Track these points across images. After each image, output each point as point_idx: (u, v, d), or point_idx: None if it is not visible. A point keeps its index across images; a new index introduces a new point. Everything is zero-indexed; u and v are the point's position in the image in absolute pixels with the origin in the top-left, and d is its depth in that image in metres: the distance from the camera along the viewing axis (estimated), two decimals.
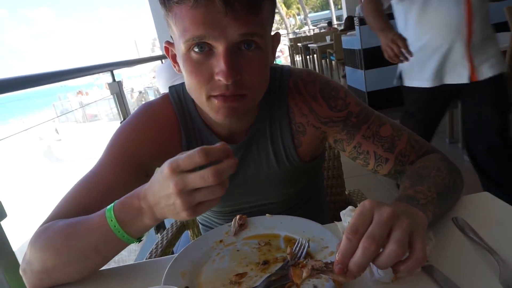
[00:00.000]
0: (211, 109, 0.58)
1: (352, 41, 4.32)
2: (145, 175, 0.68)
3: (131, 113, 0.74)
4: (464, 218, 0.57)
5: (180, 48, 0.57)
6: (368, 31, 3.96)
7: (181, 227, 1.06)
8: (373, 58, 3.99)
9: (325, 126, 0.71)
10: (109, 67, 1.74)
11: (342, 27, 8.08)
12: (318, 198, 0.89)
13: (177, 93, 0.73)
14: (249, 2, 0.51)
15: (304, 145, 0.73)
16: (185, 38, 0.54)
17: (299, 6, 28.22)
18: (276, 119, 0.72)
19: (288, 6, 28.39)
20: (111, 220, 0.52)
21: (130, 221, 0.52)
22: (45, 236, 0.56)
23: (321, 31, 12.44)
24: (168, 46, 0.65)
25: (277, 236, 0.61)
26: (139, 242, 0.55)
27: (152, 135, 0.69)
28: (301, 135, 0.72)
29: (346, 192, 1.10)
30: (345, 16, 13.07)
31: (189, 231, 1.10)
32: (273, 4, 0.58)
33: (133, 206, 0.51)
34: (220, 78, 0.53)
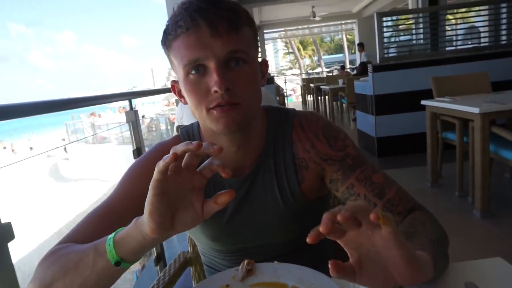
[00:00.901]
0: (212, 121, 0.65)
1: (364, 86, 4.41)
2: None
3: (146, 152, 0.78)
4: (477, 283, 0.56)
5: (180, 76, 0.66)
6: (381, 78, 4.05)
7: (184, 264, 1.04)
8: (384, 104, 4.05)
9: (324, 163, 0.75)
10: (128, 96, 1.81)
11: (354, 72, 8.26)
12: (323, 243, 0.88)
13: (187, 132, 0.80)
14: (229, 23, 0.62)
15: (307, 181, 0.75)
16: (183, 64, 0.63)
17: (314, 47, 29.09)
18: (280, 154, 0.76)
19: (304, 47, 29.27)
20: (109, 238, 0.52)
21: (122, 236, 0.51)
22: (53, 255, 0.58)
23: (334, 74, 12.73)
24: (174, 84, 0.74)
25: (284, 286, 0.60)
26: (116, 264, 0.51)
27: None
28: (304, 170, 0.75)
29: None
30: (358, 61, 13.43)
31: (191, 268, 1.08)
32: (253, 29, 0.68)
33: (130, 225, 0.52)
34: (215, 89, 0.61)
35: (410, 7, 8.39)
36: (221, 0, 0.64)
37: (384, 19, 4.25)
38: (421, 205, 0.73)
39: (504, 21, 4.52)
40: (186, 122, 1.84)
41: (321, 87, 8.47)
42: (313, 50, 29.72)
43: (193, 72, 0.63)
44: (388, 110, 4.05)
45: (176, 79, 0.72)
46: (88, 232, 0.64)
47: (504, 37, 4.45)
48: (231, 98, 0.63)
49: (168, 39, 0.66)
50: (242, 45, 0.64)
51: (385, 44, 4.25)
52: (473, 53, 4.14)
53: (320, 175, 0.76)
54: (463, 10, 6.56)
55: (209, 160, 0.50)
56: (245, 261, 0.64)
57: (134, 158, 1.80)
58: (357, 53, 11.92)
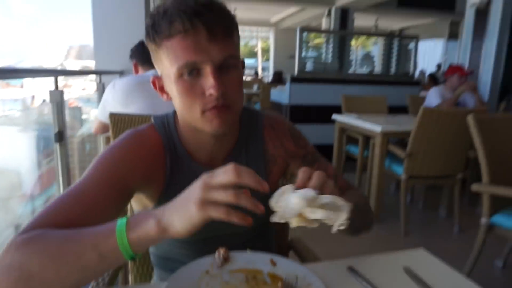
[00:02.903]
0: (205, 122, 0.68)
1: (280, 95, 4.69)
2: (128, 196, 0.72)
3: (117, 137, 0.77)
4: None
5: (171, 75, 0.67)
6: (297, 89, 4.37)
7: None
8: (298, 114, 4.38)
9: (290, 159, 0.86)
10: (54, 73, 1.64)
11: (269, 79, 8.65)
12: (271, 233, 0.98)
13: (162, 122, 0.80)
14: (226, 30, 0.66)
15: (274, 175, 0.85)
16: (178, 65, 0.65)
17: None
18: (252, 149, 0.83)
19: None
20: (121, 224, 0.53)
21: (136, 224, 0.53)
22: (36, 241, 0.54)
23: (246, 78, 13.10)
24: (156, 79, 0.75)
25: (260, 272, 0.67)
26: (132, 259, 0.54)
27: (140, 159, 0.73)
28: (272, 164, 0.85)
29: (289, 238, 1.20)
30: (271, 68, 14.04)
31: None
32: (238, 31, 0.72)
33: (149, 212, 0.54)
34: (211, 92, 0.65)
35: (323, 26, 9.18)
36: (215, 4, 0.67)
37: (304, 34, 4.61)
38: (357, 187, 0.91)
39: (395, 53, 5.30)
40: (120, 108, 1.75)
41: None
42: None
43: (187, 74, 0.66)
44: (301, 120, 4.39)
45: (158, 75, 0.74)
46: (61, 216, 0.61)
47: (393, 67, 5.21)
48: (225, 101, 0.67)
49: (159, 37, 0.66)
50: (234, 50, 0.69)
51: (303, 59, 4.61)
52: (370, 78, 4.77)
53: (283, 170, 0.87)
54: (363, 38, 7.54)
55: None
56: (221, 250, 0.69)
57: (56, 141, 1.65)
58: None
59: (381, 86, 4.64)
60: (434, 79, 6.70)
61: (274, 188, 0.86)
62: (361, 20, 10.59)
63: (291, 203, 0.54)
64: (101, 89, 2.78)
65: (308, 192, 0.55)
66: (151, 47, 0.70)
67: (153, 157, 0.75)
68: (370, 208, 0.89)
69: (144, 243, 0.53)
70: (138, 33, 3.41)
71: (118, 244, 0.52)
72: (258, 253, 0.72)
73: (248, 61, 18.70)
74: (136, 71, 2.02)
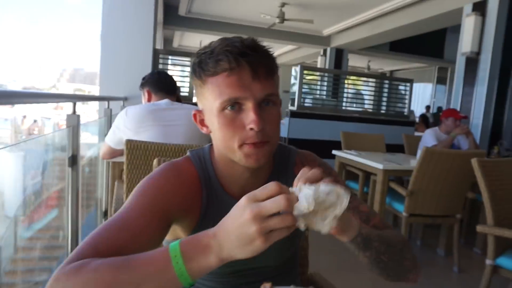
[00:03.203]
0: (243, 155, 0.71)
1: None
2: (167, 227, 0.72)
3: (154, 169, 0.82)
4: None
5: (213, 109, 0.71)
6: (296, 123, 4.46)
7: None
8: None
9: None
10: (73, 98, 1.66)
11: None
12: (297, 267, 0.98)
13: (198, 156, 0.83)
14: (268, 70, 0.70)
15: None
16: (222, 99, 0.68)
17: None
18: (283, 184, 0.84)
19: None
20: (175, 254, 0.53)
21: (194, 256, 0.53)
22: (88, 269, 0.54)
23: None
24: (197, 113, 0.79)
25: None
26: (190, 286, 0.54)
27: (178, 191, 0.75)
28: None
29: (308, 273, 1.20)
30: None
31: None
32: (278, 72, 0.77)
33: (201, 242, 0.54)
34: (252, 127, 0.67)
35: (318, 65, 9.50)
36: (259, 47, 0.71)
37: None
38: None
39: (388, 93, 5.51)
40: (132, 135, 1.77)
41: None
42: None
43: (229, 108, 0.69)
44: None
45: (200, 109, 0.78)
46: (107, 244, 0.61)
47: (387, 107, 5.39)
48: (263, 137, 0.70)
49: (205, 74, 0.70)
50: (275, 89, 0.72)
51: (303, 95, 4.74)
52: (366, 116, 4.91)
53: None
54: (354, 78, 7.85)
55: None
56: (267, 285, 0.69)
57: (68, 165, 1.64)
58: None
59: (376, 124, 4.77)
60: (425, 120, 6.93)
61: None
62: (354, 60, 11.03)
63: (302, 207, 0.54)
64: (109, 115, 2.80)
65: (307, 190, 0.55)
66: (195, 83, 0.74)
67: (189, 190, 0.77)
68: (409, 251, 0.81)
69: (204, 273, 0.54)
70: (143, 63, 3.55)
71: (177, 275, 0.52)
72: None
73: None
74: (149, 99, 2.06)
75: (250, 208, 0.51)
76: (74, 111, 1.64)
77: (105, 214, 2.66)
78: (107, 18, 3.46)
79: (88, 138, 3.06)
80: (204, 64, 0.70)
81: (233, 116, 0.69)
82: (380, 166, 2.67)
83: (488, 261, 1.80)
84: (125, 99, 3.40)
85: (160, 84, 2.04)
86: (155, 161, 1.04)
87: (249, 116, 0.68)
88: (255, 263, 0.83)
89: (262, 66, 0.69)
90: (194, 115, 0.79)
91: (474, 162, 1.83)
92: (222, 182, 0.80)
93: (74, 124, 1.62)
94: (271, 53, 0.73)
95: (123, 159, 1.62)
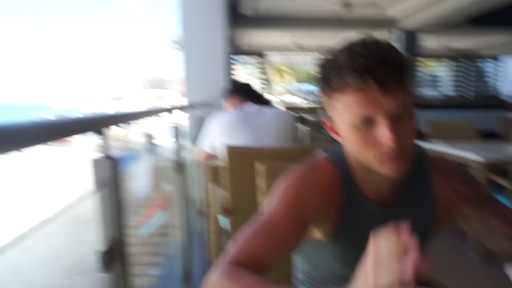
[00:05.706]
0: (381, 167, 0.70)
1: None
2: (306, 229, 0.75)
3: (296, 170, 0.81)
4: None
5: (345, 121, 0.70)
6: None
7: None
8: None
9: (459, 201, 0.82)
10: (174, 109, 1.81)
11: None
12: None
13: (337, 158, 0.81)
14: (396, 80, 0.66)
15: (440, 217, 0.84)
16: (351, 116, 0.68)
17: (289, 74, 29.41)
18: (417, 187, 0.83)
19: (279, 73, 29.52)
20: None
21: None
22: (241, 283, 0.59)
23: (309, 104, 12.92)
24: (327, 122, 0.78)
25: None
26: None
27: (319, 193, 0.77)
28: (439, 207, 0.83)
29: None
30: None
31: None
32: (410, 74, 0.71)
33: None
34: (388, 143, 0.65)
35: None
36: (385, 58, 0.66)
37: None
38: None
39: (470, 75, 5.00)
40: (224, 140, 1.87)
41: (305, 116, 8.35)
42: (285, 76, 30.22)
43: (360, 124, 0.68)
44: None
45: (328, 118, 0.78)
46: (254, 250, 0.67)
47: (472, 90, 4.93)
48: (400, 151, 0.68)
49: (330, 90, 0.70)
50: (406, 99, 0.68)
51: None
52: (451, 102, 4.54)
53: (451, 213, 0.84)
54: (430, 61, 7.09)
55: None
56: None
57: (175, 171, 1.79)
58: None
59: (460, 110, 4.40)
60: None
61: (440, 229, 0.86)
62: (427, 41, 10.23)
63: None
64: (198, 120, 2.99)
65: None
66: (321, 93, 0.74)
67: (330, 192, 0.78)
68: None
69: None
70: (219, 67, 3.65)
71: None
72: None
73: (308, 87, 18.75)
74: (236, 105, 2.16)
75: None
76: (175, 123, 1.79)
77: (201, 214, 2.84)
78: (185, 24, 3.58)
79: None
80: (328, 80, 0.70)
81: (366, 132, 0.68)
82: (480, 158, 2.45)
83: None
84: (210, 104, 3.55)
85: (251, 92, 2.16)
86: (259, 166, 1.10)
87: (383, 133, 0.66)
88: None
89: (390, 78, 0.65)
90: (324, 123, 0.79)
91: None
92: (359, 184, 0.80)
93: (178, 133, 1.76)
94: (399, 58, 0.68)
95: (215, 162, 1.70)
